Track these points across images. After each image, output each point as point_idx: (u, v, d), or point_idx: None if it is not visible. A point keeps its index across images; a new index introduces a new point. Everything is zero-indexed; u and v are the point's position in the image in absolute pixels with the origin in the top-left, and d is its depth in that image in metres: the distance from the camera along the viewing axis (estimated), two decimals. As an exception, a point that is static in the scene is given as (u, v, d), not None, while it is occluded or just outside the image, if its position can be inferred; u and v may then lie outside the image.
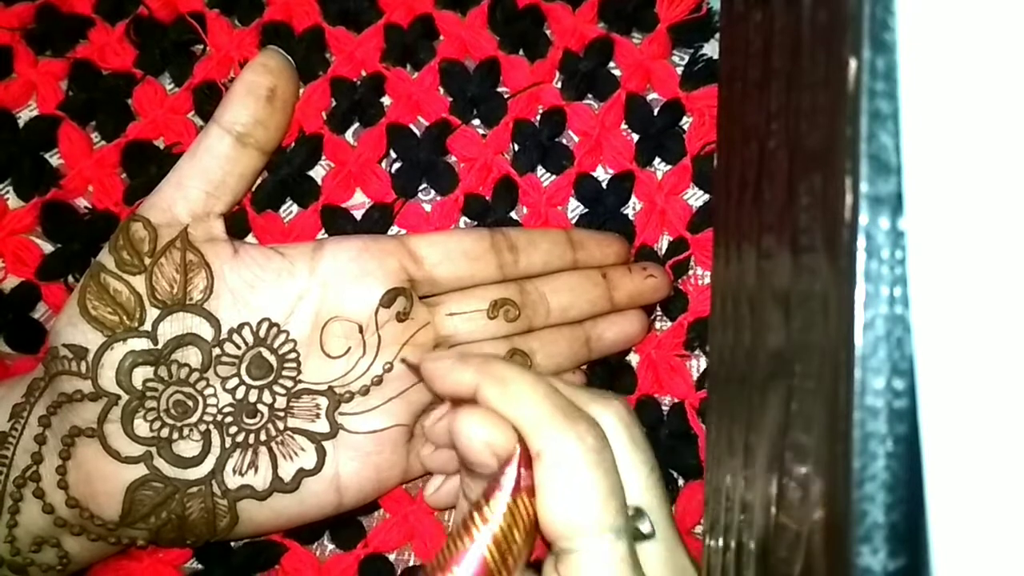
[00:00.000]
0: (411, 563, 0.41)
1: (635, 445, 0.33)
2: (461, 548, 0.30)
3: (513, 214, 0.43)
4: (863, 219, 0.20)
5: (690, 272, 0.43)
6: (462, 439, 0.31)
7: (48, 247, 0.41)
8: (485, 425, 0.31)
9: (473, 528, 0.30)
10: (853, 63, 0.20)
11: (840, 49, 0.21)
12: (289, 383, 0.38)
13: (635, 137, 0.43)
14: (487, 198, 0.42)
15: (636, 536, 0.31)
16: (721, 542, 0.33)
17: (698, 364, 0.42)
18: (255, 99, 0.38)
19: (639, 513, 0.31)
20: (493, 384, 0.31)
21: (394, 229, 0.42)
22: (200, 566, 0.41)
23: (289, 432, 0.38)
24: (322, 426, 0.38)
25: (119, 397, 0.36)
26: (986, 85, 0.20)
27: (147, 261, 0.37)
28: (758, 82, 0.30)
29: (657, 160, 0.43)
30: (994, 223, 0.19)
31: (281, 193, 0.42)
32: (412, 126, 0.43)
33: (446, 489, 0.39)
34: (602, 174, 0.43)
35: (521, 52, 0.43)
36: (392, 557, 0.41)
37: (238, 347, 0.37)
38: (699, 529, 0.41)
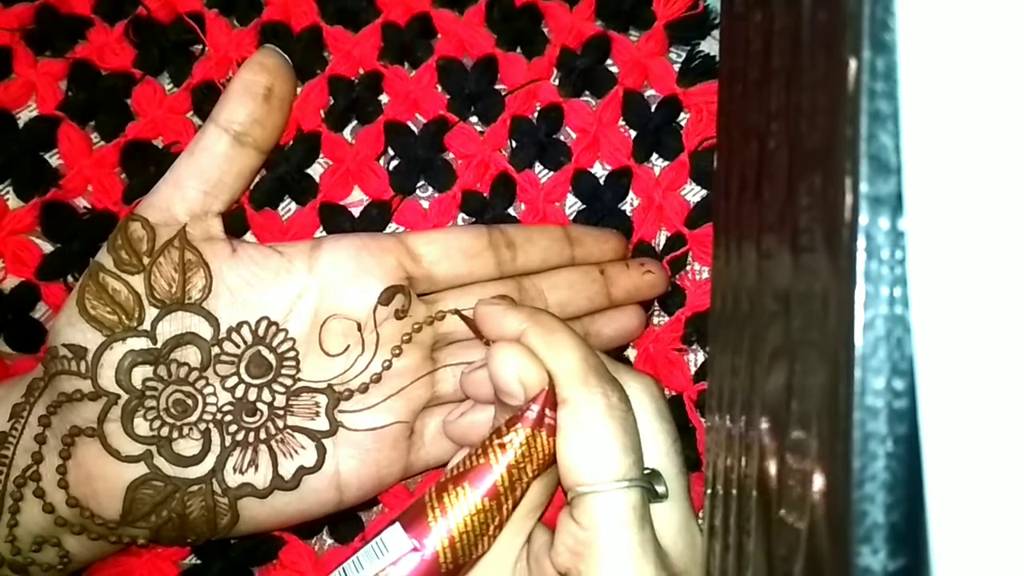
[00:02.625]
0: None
1: (660, 416, 0.35)
2: (476, 466, 0.32)
3: (511, 211, 0.43)
4: (863, 219, 0.20)
5: (687, 268, 0.43)
6: (496, 365, 0.33)
7: (48, 247, 0.41)
8: (521, 358, 0.33)
9: (491, 451, 0.32)
10: (853, 63, 0.20)
11: (840, 49, 0.21)
12: (288, 381, 0.38)
13: (632, 133, 0.43)
14: (485, 195, 0.42)
15: (651, 496, 0.32)
16: (721, 542, 0.33)
17: (695, 358, 0.43)
18: (252, 98, 0.38)
19: (655, 474, 0.33)
20: (539, 330, 0.34)
21: (392, 226, 0.42)
22: (198, 561, 0.41)
23: (289, 430, 0.38)
24: (322, 424, 0.38)
25: (119, 396, 0.36)
26: (986, 85, 0.20)
27: (145, 260, 0.37)
28: (758, 82, 0.30)
29: (654, 156, 0.43)
30: (994, 223, 0.19)
31: (279, 191, 0.42)
32: (410, 123, 0.43)
33: (466, 420, 0.38)
34: (600, 170, 0.43)
35: (518, 50, 0.43)
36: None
37: (237, 346, 0.37)
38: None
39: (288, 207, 0.43)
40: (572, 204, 0.43)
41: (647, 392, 0.35)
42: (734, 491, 0.32)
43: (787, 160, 0.26)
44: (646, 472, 0.33)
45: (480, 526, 0.32)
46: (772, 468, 0.27)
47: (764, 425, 0.28)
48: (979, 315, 0.19)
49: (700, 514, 0.41)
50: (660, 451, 0.34)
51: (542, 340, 0.33)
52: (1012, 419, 0.19)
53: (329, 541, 0.42)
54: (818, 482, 0.22)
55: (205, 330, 0.37)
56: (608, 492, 0.31)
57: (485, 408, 0.37)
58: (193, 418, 0.37)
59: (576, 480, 0.31)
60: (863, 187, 0.20)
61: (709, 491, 0.36)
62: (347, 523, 0.42)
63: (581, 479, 0.31)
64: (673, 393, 0.42)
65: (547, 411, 0.32)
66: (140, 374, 0.36)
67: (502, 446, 0.32)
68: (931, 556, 0.19)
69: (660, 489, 0.33)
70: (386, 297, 0.38)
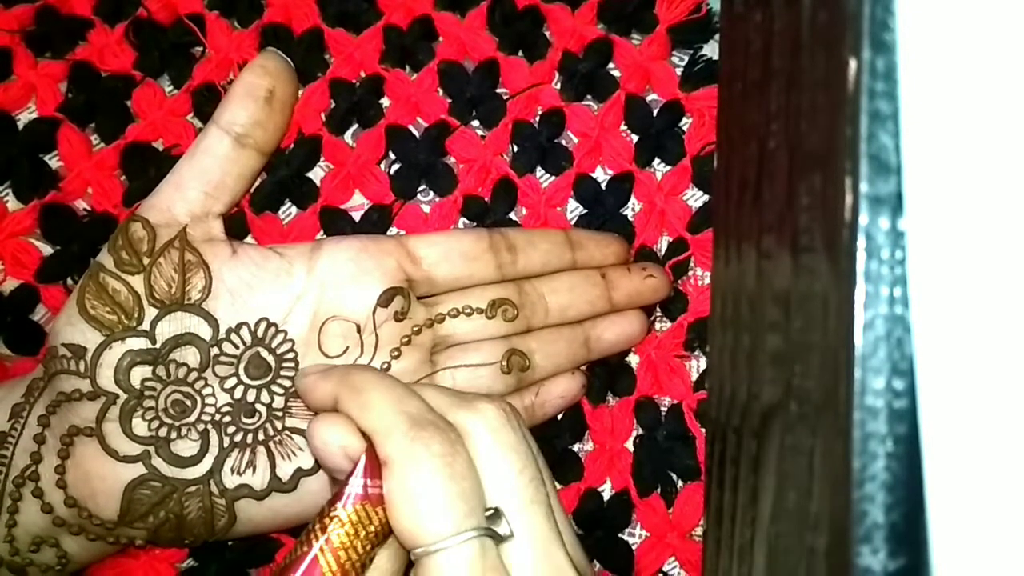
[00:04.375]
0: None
1: (501, 449, 0.32)
2: (300, 555, 0.30)
3: (512, 215, 0.43)
4: (863, 219, 0.20)
5: (690, 273, 0.43)
6: (316, 443, 0.31)
7: (47, 249, 0.41)
8: (336, 430, 0.31)
9: (312, 537, 0.30)
10: (853, 63, 0.20)
11: (840, 49, 0.21)
12: (287, 383, 0.38)
13: (634, 138, 0.43)
14: (486, 199, 0.42)
15: (495, 538, 0.30)
16: (722, 543, 0.33)
17: (698, 364, 0.42)
18: (254, 100, 0.38)
19: (496, 514, 0.31)
20: (348, 393, 0.32)
21: (393, 231, 0.42)
22: (195, 563, 0.41)
23: (287, 432, 0.38)
24: (321, 426, 0.38)
25: (117, 396, 0.36)
26: (986, 85, 0.20)
27: (146, 261, 0.37)
28: (758, 82, 0.30)
29: (656, 161, 0.43)
30: (994, 223, 0.19)
31: (280, 194, 0.42)
32: (411, 127, 0.43)
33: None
34: (601, 175, 0.43)
35: (520, 53, 0.43)
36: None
37: (236, 347, 0.37)
38: (699, 532, 0.41)
39: (289, 211, 0.43)
40: (574, 209, 0.43)
41: (484, 426, 0.32)
42: (735, 492, 0.32)
43: (787, 160, 0.26)
44: (488, 513, 0.30)
45: None
46: (772, 468, 0.27)
47: (764, 427, 0.28)
48: (979, 315, 0.19)
49: (701, 522, 0.41)
50: (506, 485, 0.31)
51: (352, 402, 0.31)
52: (1012, 419, 0.19)
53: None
54: (818, 482, 0.22)
55: (204, 331, 0.37)
56: (443, 550, 0.29)
57: None
58: (191, 419, 0.37)
59: (411, 544, 0.29)
60: (863, 187, 0.20)
61: (709, 489, 0.36)
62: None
63: (415, 542, 0.29)
64: (673, 402, 0.42)
65: (369, 481, 0.30)
66: (139, 374, 0.36)
67: (323, 529, 0.30)
68: (931, 556, 0.19)
69: (502, 530, 0.30)
70: (385, 299, 0.38)
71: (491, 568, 0.29)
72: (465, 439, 0.31)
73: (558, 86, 0.43)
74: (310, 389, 0.34)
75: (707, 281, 0.42)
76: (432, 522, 0.29)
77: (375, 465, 0.30)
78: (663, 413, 0.42)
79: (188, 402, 0.37)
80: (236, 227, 0.41)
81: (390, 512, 0.30)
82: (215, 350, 0.37)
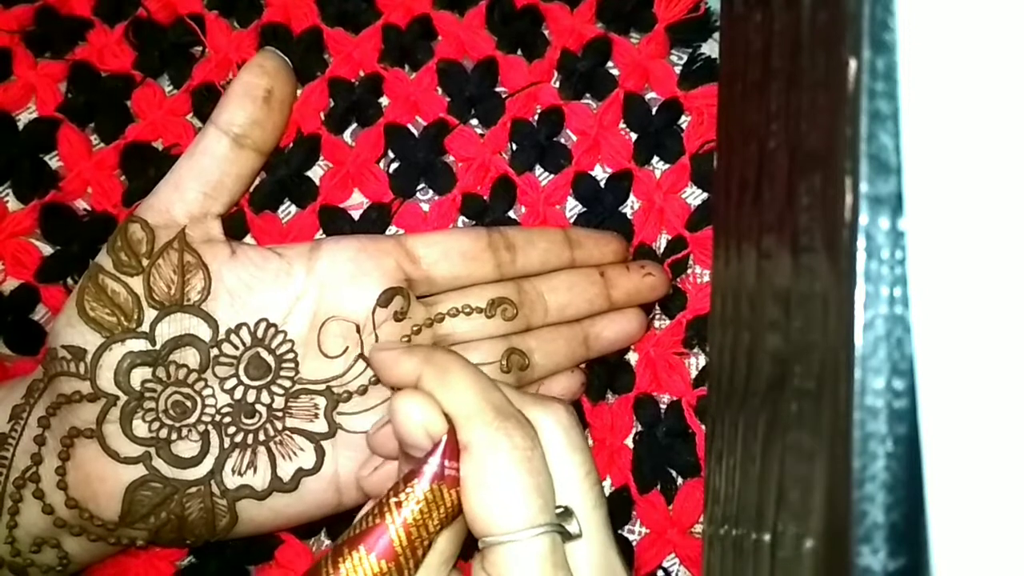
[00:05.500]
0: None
1: (572, 448, 0.32)
2: (371, 527, 0.31)
3: (511, 213, 0.43)
4: (863, 219, 0.20)
5: (688, 270, 0.43)
6: (398, 417, 0.31)
7: (47, 249, 0.41)
8: (422, 406, 0.31)
9: (387, 510, 0.31)
10: (853, 63, 0.20)
11: (840, 49, 0.21)
12: (287, 383, 0.38)
13: (633, 136, 0.43)
14: (485, 198, 0.42)
15: (564, 535, 0.31)
16: (722, 543, 0.33)
17: (697, 362, 0.42)
18: (252, 100, 0.38)
19: (567, 513, 0.31)
20: (434, 373, 0.32)
21: (392, 229, 0.42)
22: (195, 560, 0.41)
23: (288, 432, 0.38)
24: (320, 426, 0.38)
25: (117, 398, 0.36)
26: (986, 85, 0.20)
27: (145, 262, 0.37)
28: (758, 82, 0.30)
29: (655, 159, 0.43)
30: (994, 223, 0.19)
31: (279, 194, 0.42)
32: (410, 126, 0.43)
33: (382, 472, 0.38)
34: (600, 173, 0.43)
35: (519, 52, 0.43)
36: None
37: (236, 347, 0.37)
38: (698, 528, 0.41)
39: (288, 210, 0.43)
40: (572, 207, 0.43)
41: (557, 424, 0.33)
42: (734, 490, 0.32)
43: (787, 160, 0.26)
44: (558, 511, 0.31)
45: None
46: (772, 468, 0.27)
47: (764, 426, 0.28)
48: (979, 315, 0.19)
49: (700, 520, 0.41)
50: (574, 487, 0.32)
51: (438, 383, 0.32)
52: (1012, 419, 0.19)
53: (327, 542, 0.42)
54: (818, 482, 0.22)
55: (204, 332, 0.37)
56: (516, 542, 0.29)
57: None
58: (192, 420, 0.37)
59: (482, 531, 0.30)
60: (863, 187, 0.20)
61: (709, 487, 0.36)
62: (346, 524, 0.41)
63: (487, 530, 0.30)
64: (673, 399, 0.42)
65: (447, 462, 0.31)
66: (139, 375, 0.36)
67: (398, 504, 0.30)
68: (931, 556, 0.19)
69: (572, 529, 0.31)
70: (385, 299, 0.38)
71: (559, 565, 0.30)
72: (539, 435, 0.32)
73: (557, 85, 0.43)
74: (391, 364, 0.34)
75: (706, 279, 0.42)
76: (507, 513, 0.30)
77: (454, 447, 0.31)
78: (662, 410, 0.42)
79: (188, 403, 0.37)
80: (235, 226, 0.41)
81: (465, 497, 0.30)
82: (215, 351, 0.37)
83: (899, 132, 0.20)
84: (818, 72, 0.23)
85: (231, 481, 0.37)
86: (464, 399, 0.31)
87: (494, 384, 0.33)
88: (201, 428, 0.37)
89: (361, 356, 0.38)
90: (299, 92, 0.42)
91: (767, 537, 0.27)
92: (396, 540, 0.30)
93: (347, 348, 0.38)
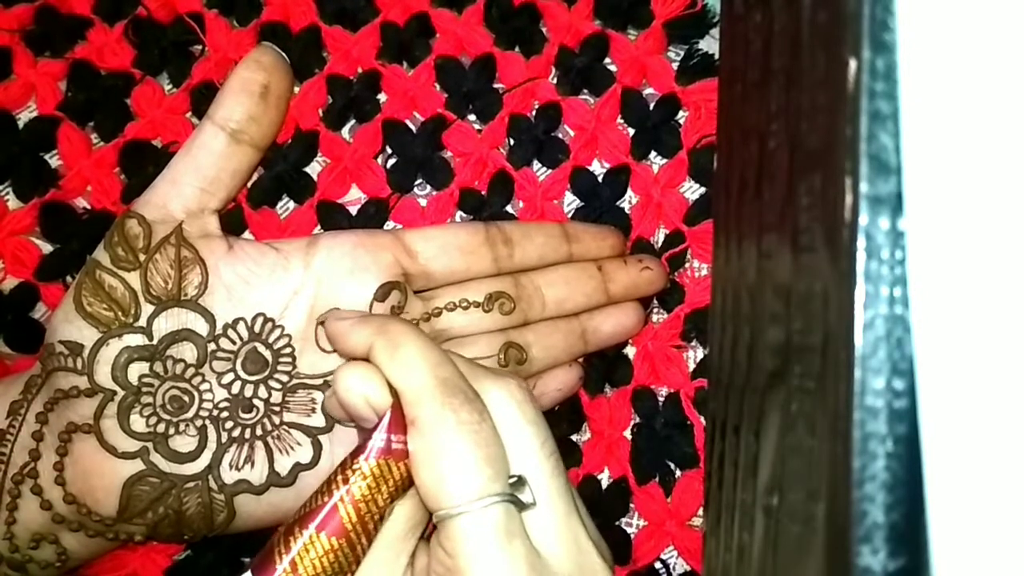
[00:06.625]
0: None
1: (526, 420, 0.32)
2: (319, 505, 0.31)
3: (509, 208, 0.43)
4: (863, 219, 0.20)
5: (686, 265, 0.43)
6: (341, 389, 0.32)
7: (47, 247, 0.41)
8: (366, 379, 0.31)
9: (335, 487, 0.31)
10: (853, 63, 0.21)
11: (840, 49, 0.21)
12: (284, 378, 0.38)
13: (631, 131, 0.43)
14: (483, 193, 0.42)
15: (517, 505, 0.31)
16: (722, 542, 0.33)
17: (694, 355, 0.43)
18: (249, 95, 0.38)
19: (520, 482, 0.31)
20: (385, 345, 0.32)
21: (390, 224, 0.42)
22: (190, 552, 0.41)
23: (285, 426, 0.38)
24: (318, 420, 0.38)
25: (115, 393, 0.36)
26: (986, 85, 0.20)
27: (142, 257, 0.37)
28: (758, 82, 0.30)
29: (653, 154, 0.43)
30: (994, 223, 0.19)
31: (277, 189, 0.42)
32: (408, 122, 0.43)
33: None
34: (598, 168, 0.43)
35: (517, 48, 0.43)
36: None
37: (233, 342, 0.37)
38: (697, 520, 0.41)
39: (286, 206, 0.42)
40: (570, 202, 0.43)
41: (509, 397, 0.33)
42: (735, 491, 0.32)
43: (787, 160, 0.26)
44: (511, 481, 0.31)
45: (332, 566, 0.31)
46: (772, 467, 0.27)
47: (764, 425, 0.28)
48: (979, 315, 0.19)
49: (700, 511, 0.41)
50: (529, 457, 0.32)
51: (388, 356, 0.32)
52: (1012, 419, 0.19)
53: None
54: (818, 482, 0.22)
55: (201, 327, 0.37)
56: (468, 513, 0.29)
57: None
58: (189, 415, 0.37)
59: (434, 505, 0.30)
60: (863, 187, 0.20)
61: (709, 488, 0.36)
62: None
63: (438, 504, 0.30)
64: (671, 391, 0.42)
65: (393, 436, 0.31)
66: (136, 370, 0.36)
67: (345, 480, 0.31)
68: (931, 556, 0.19)
69: (525, 498, 0.31)
70: (382, 293, 0.38)
71: (514, 534, 0.30)
72: (490, 408, 0.32)
73: (554, 80, 0.43)
74: (344, 333, 0.34)
75: (704, 273, 0.42)
76: (457, 485, 0.30)
77: (400, 421, 0.31)
78: (660, 402, 0.42)
79: (186, 398, 0.37)
80: (234, 221, 0.41)
81: (415, 472, 0.30)
82: (212, 346, 0.37)
83: (899, 132, 0.20)
84: (818, 72, 0.23)
85: (229, 476, 0.37)
86: (412, 373, 0.31)
87: (447, 357, 0.32)
88: (199, 423, 0.37)
89: (320, 323, 0.38)
90: (297, 89, 0.42)
91: (767, 537, 0.27)
92: (345, 516, 0.30)
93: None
